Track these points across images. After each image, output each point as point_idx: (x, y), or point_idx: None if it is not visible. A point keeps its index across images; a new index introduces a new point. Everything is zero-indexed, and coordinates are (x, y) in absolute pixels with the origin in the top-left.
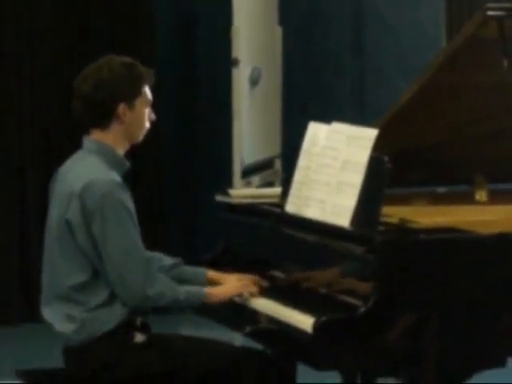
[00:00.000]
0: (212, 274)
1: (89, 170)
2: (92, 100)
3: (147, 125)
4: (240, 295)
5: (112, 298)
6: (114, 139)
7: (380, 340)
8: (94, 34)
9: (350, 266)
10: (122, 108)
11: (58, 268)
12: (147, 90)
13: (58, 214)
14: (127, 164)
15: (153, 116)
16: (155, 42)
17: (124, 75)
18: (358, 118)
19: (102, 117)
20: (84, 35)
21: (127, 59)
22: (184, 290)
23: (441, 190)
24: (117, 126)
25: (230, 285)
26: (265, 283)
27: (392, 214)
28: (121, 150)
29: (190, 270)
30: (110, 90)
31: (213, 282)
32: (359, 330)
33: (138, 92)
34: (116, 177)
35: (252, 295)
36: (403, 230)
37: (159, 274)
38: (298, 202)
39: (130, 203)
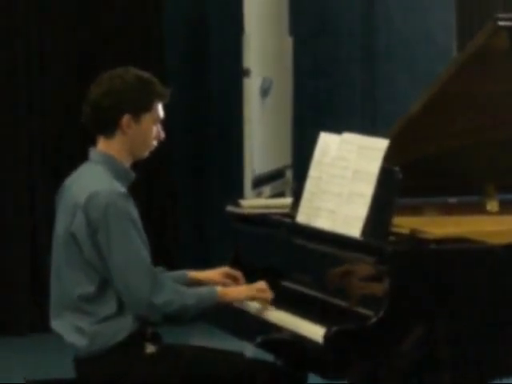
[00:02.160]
0: (193, 273)
1: (93, 182)
2: (99, 106)
3: (154, 143)
4: (253, 299)
5: (122, 308)
6: (119, 150)
7: (391, 350)
8: (104, 44)
9: (361, 276)
10: (126, 119)
11: (66, 279)
12: (159, 108)
13: (64, 226)
14: (132, 175)
15: (162, 135)
16: (166, 53)
17: (135, 88)
18: (368, 128)
19: (107, 125)
20: (94, 47)
21: (145, 74)
22: (194, 295)
23: (452, 200)
24: (121, 136)
25: (244, 287)
26: (272, 295)
27: (403, 224)
28: (125, 162)
29: (171, 275)
30: (118, 100)
31: (195, 282)
32: (370, 341)
33: (148, 107)
34: (120, 187)
35: (266, 302)
36: (414, 240)
37: (166, 282)
38: (308, 212)
39: (134, 213)
